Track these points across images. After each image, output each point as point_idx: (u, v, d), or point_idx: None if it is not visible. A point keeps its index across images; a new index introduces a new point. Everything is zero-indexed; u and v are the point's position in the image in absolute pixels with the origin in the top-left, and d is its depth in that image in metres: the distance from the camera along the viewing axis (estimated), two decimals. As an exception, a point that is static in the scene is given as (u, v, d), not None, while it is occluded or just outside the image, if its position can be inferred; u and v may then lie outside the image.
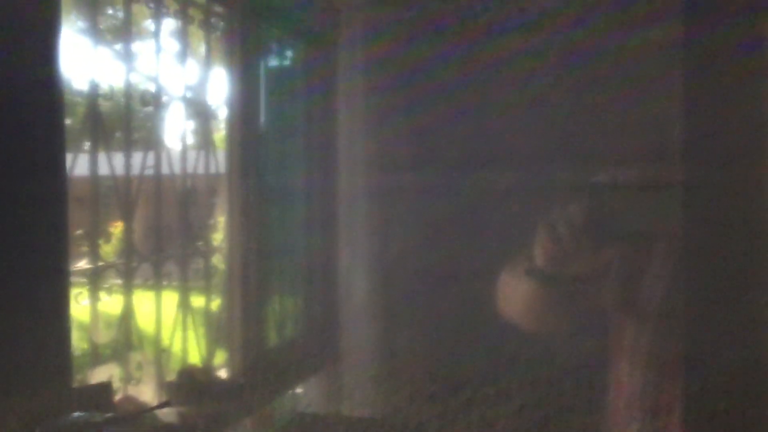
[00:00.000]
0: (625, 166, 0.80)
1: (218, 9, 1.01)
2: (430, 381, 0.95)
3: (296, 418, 1.00)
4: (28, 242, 0.97)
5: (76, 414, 0.93)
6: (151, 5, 0.95)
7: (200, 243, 1.05)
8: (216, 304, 1.08)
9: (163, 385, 1.07)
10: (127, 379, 1.07)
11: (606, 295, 0.79)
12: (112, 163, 0.94)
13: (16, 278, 0.98)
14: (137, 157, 0.96)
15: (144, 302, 1.07)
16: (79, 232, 1.03)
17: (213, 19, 1.01)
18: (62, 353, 1.01)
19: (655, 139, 0.78)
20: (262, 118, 1.00)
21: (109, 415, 0.93)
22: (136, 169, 0.96)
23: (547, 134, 0.85)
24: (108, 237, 1.05)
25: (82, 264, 1.05)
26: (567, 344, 0.85)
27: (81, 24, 0.92)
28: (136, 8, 0.97)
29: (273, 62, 1.02)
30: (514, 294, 0.83)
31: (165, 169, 0.99)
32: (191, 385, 1.07)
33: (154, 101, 0.98)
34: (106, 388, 1.00)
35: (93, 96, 0.95)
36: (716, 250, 0.73)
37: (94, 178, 0.95)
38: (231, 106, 1.00)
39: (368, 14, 0.93)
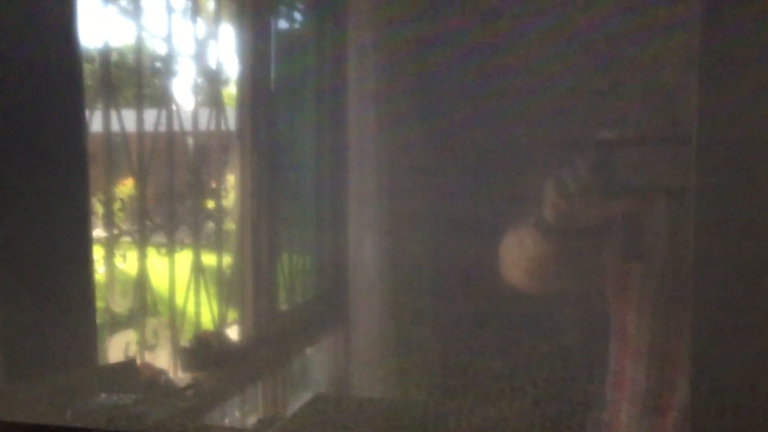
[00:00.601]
0: (633, 123, 0.81)
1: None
2: (442, 372, 0.97)
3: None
4: (50, 209, 0.99)
5: (104, 395, 0.97)
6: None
7: (212, 203, 1.06)
8: (228, 265, 1.09)
9: (177, 351, 1.09)
10: (143, 344, 1.09)
11: (611, 246, 0.80)
12: (122, 121, 0.96)
13: (41, 250, 1.01)
14: (148, 115, 0.98)
15: (158, 266, 1.08)
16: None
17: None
18: (88, 330, 1.04)
19: (666, 99, 0.79)
20: (272, 80, 1.02)
21: (135, 395, 0.96)
22: (147, 127, 0.98)
23: (558, 92, 0.85)
24: (122, 203, 1.07)
25: (98, 231, 1.07)
26: (579, 335, 0.86)
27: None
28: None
29: (283, 25, 1.02)
30: (521, 250, 0.84)
31: (176, 127, 1.00)
32: (205, 350, 1.09)
33: (164, 59, 1.00)
34: (130, 366, 1.03)
35: (104, 54, 0.96)
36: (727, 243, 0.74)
37: (106, 137, 0.96)
38: (241, 65, 1.01)
39: None
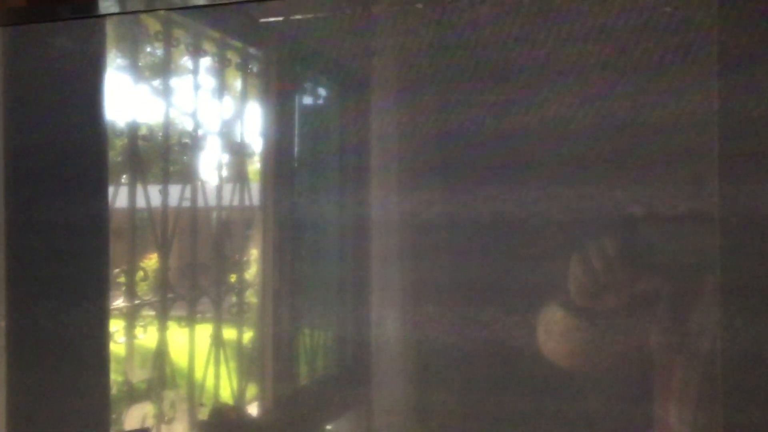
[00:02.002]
0: (662, 197, 0.79)
1: (254, 51, 1.04)
2: None
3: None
4: (71, 279, 1.00)
5: None
6: (190, 48, 0.99)
7: (234, 276, 1.06)
8: (248, 338, 1.08)
9: (195, 424, 1.08)
10: (161, 417, 1.08)
11: (653, 330, 0.77)
12: (148, 196, 0.97)
13: (59, 319, 1.01)
14: (174, 190, 0.99)
15: (177, 338, 1.08)
16: (116, 270, 1.06)
17: (249, 62, 1.04)
18: (102, 400, 1.04)
19: (692, 169, 0.78)
20: (296, 153, 1.03)
21: None
22: (173, 202, 0.98)
23: (581, 164, 0.85)
24: (144, 273, 1.07)
25: (119, 302, 1.07)
26: (609, 385, 0.84)
27: (120, 61, 0.96)
28: (174, 50, 1.01)
29: (307, 100, 1.04)
30: (553, 330, 0.82)
31: (200, 202, 1.01)
32: (224, 424, 1.07)
33: (191, 136, 1.02)
34: None
35: (132, 131, 0.99)
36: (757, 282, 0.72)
37: (131, 211, 0.97)
38: (265, 140, 1.02)
39: (401, 58, 0.95)
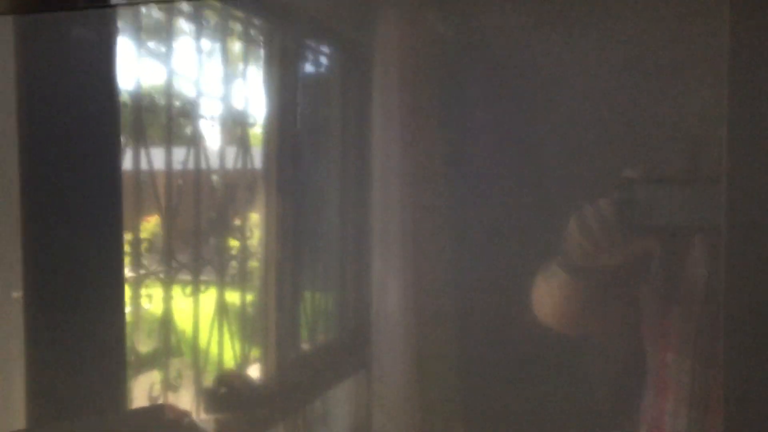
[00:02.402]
0: (659, 160, 0.81)
1: (257, 21, 1.05)
2: (466, 415, 0.96)
3: None
4: (85, 249, 1.03)
5: None
6: (192, 16, 1.00)
7: (236, 242, 1.08)
8: (251, 305, 1.10)
9: (200, 392, 1.10)
10: (167, 385, 1.10)
11: (646, 287, 0.80)
12: (151, 161, 0.98)
13: (74, 290, 1.04)
14: (176, 154, 1.01)
15: (182, 306, 1.10)
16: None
17: (252, 30, 1.05)
18: (119, 373, 1.07)
19: (694, 132, 0.79)
20: (298, 121, 1.04)
21: None
22: (176, 166, 1.01)
23: (581, 129, 0.86)
24: (149, 243, 1.09)
25: (126, 271, 1.09)
26: (613, 378, 0.86)
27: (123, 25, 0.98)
28: (176, 20, 1.02)
29: (310, 69, 1.05)
30: (549, 291, 0.84)
31: (203, 166, 1.03)
32: (228, 391, 1.09)
33: (193, 101, 1.03)
34: (159, 409, 1.05)
35: (136, 95, 1.00)
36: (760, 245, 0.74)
37: (135, 176, 0.99)
38: (267, 106, 1.03)
39: (404, 30, 0.96)
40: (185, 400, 1.09)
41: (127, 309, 1.09)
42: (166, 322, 1.09)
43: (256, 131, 1.06)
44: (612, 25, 0.82)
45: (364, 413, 1.05)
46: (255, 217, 1.08)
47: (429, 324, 1.01)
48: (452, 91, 0.96)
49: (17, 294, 1.06)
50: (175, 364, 1.10)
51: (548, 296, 0.84)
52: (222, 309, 1.08)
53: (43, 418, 1.09)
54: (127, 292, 1.08)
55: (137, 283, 1.08)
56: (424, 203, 1.00)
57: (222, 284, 1.09)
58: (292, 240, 1.07)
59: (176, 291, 1.09)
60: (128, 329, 1.08)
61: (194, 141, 1.07)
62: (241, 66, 1.07)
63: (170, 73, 1.07)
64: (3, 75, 1.10)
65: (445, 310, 0.99)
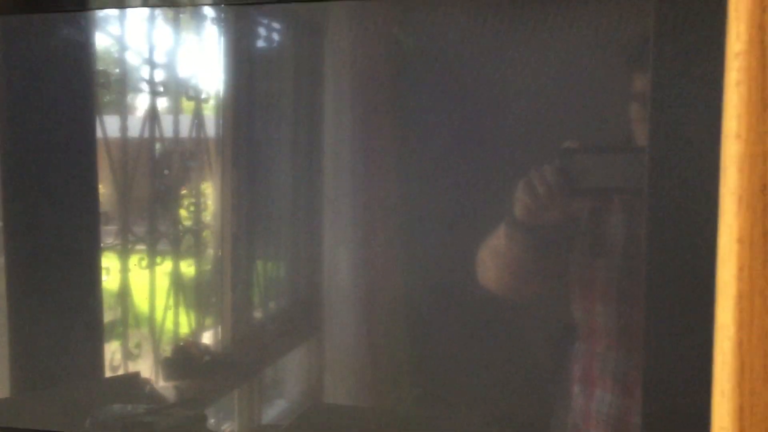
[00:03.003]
0: (593, 133, 0.93)
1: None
2: (415, 376, 1.04)
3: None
4: (63, 219, 1.04)
5: (118, 405, 1.08)
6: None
7: (190, 214, 1.11)
8: (205, 275, 1.13)
9: (159, 361, 1.12)
10: (127, 356, 1.12)
11: (578, 242, 0.91)
12: (105, 131, 1.01)
13: (54, 262, 1.06)
14: (131, 126, 1.05)
15: (139, 280, 1.12)
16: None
17: (203, 7, 1.07)
18: (95, 342, 1.09)
19: (622, 110, 0.92)
20: (252, 92, 1.08)
21: (146, 405, 1.02)
22: (131, 138, 1.05)
23: (526, 110, 0.96)
24: (105, 216, 1.11)
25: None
26: (551, 330, 0.97)
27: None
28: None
29: (263, 41, 1.09)
30: (496, 248, 0.94)
31: (156, 136, 1.07)
32: (185, 360, 1.12)
33: (147, 70, 1.06)
34: (135, 378, 1.09)
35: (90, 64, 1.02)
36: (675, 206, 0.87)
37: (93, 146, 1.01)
38: (221, 76, 1.06)
39: (356, 7, 1.01)
40: (145, 368, 1.12)
41: (91, 280, 1.11)
42: (123, 294, 1.11)
43: (210, 104, 1.09)
44: (547, 18, 0.92)
45: (316, 377, 1.10)
46: (208, 189, 1.11)
47: (378, 291, 1.06)
48: (404, 67, 1.03)
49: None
50: (135, 334, 1.12)
51: (495, 254, 0.94)
52: (177, 280, 1.11)
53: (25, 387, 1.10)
54: (91, 262, 1.09)
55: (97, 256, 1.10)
56: (375, 174, 1.06)
57: (177, 255, 1.12)
58: (245, 211, 1.11)
59: (132, 263, 1.11)
60: (94, 299, 1.10)
61: (147, 113, 1.09)
62: (194, 38, 1.10)
63: (123, 46, 1.09)
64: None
65: (395, 277, 1.06)
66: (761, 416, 0.34)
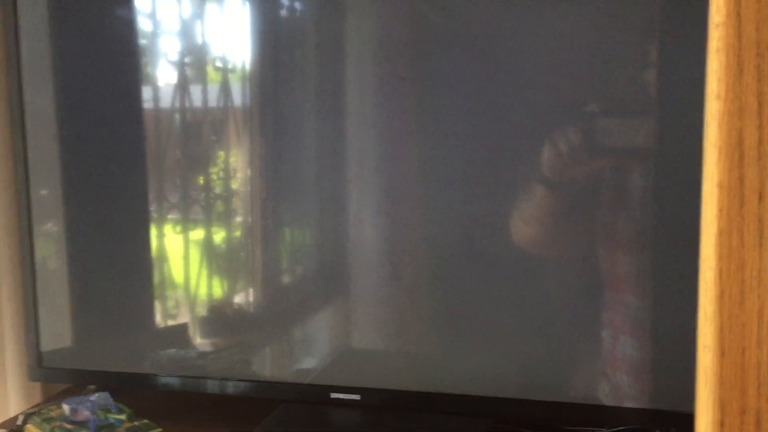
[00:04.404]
0: (613, 97, 1.00)
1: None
2: (440, 324, 1.10)
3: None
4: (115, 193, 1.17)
5: (173, 350, 1.20)
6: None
7: (219, 179, 1.18)
8: (236, 241, 1.20)
9: (195, 320, 1.20)
10: (170, 313, 1.20)
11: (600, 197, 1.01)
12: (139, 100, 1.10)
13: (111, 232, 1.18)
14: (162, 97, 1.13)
15: (174, 244, 1.19)
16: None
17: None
18: (148, 298, 1.20)
19: (637, 78, 0.99)
20: (277, 61, 1.11)
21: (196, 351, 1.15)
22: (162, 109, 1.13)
23: (553, 76, 1.03)
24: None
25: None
26: (577, 280, 1.04)
27: None
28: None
29: (283, 12, 1.14)
30: (529, 205, 1.02)
31: (186, 105, 1.13)
32: (221, 317, 1.20)
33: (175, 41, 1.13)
34: (184, 328, 1.19)
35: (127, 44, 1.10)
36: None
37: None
38: (248, 46, 1.11)
39: None
40: (188, 322, 1.19)
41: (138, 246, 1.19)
42: (162, 257, 1.19)
43: (237, 73, 1.15)
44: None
45: (345, 329, 1.15)
46: (237, 158, 1.17)
47: (402, 249, 1.12)
48: (427, 34, 1.07)
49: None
50: (173, 294, 1.20)
51: (528, 209, 1.01)
52: (209, 244, 1.18)
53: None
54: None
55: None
56: (399, 139, 1.10)
57: (209, 222, 1.18)
58: (272, 178, 1.17)
59: (167, 229, 1.18)
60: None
61: (178, 84, 1.15)
62: (221, 12, 1.15)
63: (155, 21, 1.15)
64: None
65: (419, 237, 1.11)
66: (738, 335, 0.41)
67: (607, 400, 1.01)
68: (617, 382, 1.01)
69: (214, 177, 1.16)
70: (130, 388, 1.24)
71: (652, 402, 1.00)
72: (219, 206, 1.17)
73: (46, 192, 1.20)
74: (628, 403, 1.00)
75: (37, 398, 1.30)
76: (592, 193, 0.99)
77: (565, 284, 1.03)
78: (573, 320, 1.02)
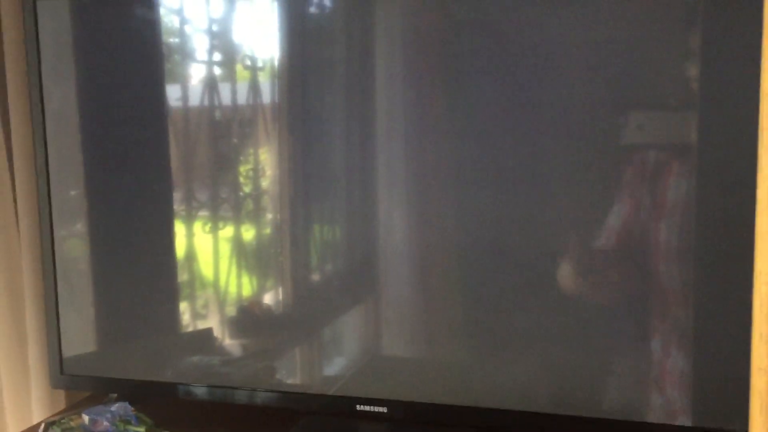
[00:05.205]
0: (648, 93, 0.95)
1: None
2: (467, 333, 1.05)
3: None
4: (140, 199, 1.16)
5: (197, 357, 1.18)
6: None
7: (249, 178, 1.15)
8: (265, 240, 1.17)
9: (224, 320, 1.18)
10: (195, 316, 1.18)
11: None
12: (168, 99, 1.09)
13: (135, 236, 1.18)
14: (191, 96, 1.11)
15: (204, 244, 1.17)
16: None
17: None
18: (172, 303, 1.20)
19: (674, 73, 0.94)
20: (306, 58, 1.09)
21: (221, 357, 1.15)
22: (191, 108, 1.12)
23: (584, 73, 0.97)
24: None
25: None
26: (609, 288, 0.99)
27: None
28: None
29: (315, 9, 1.12)
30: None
31: (216, 102, 1.11)
32: (249, 319, 1.17)
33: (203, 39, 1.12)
34: (209, 332, 1.17)
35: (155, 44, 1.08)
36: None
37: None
38: (277, 48, 1.09)
39: None
40: (212, 327, 1.17)
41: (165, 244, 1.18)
42: (189, 258, 1.16)
43: (266, 71, 1.12)
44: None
45: (372, 335, 1.12)
46: (266, 156, 1.14)
47: (432, 252, 1.08)
48: (458, 29, 1.01)
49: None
50: (201, 295, 1.18)
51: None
52: (239, 243, 1.15)
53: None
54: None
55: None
56: (428, 138, 1.07)
57: (238, 220, 1.15)
58: (302, 177, 1.14)
59: (197, 228, 1.15)
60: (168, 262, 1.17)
61: (206, 83, 1.13)
62: (249, 9, 1.13)
63: (182, 19, 1.13)
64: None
65: (448, 238, 1.07)
66: (798, 358, 0.35)
67: (649, 417, 0.96)
68: (658, 398, 0.96)
69: (243, 176, 1.14)
70: (152, 397, 1.22)
71: (696, 420, 0.94)
72: (248, 205, 1.15)
73: (71, 194, 1.19)
74: (670, 421, 0.95)
75: (62, 404, 1.29)
76: (632, 198, 0.93)
77: (597, 298, 0.98)
78: (612, 332, 0.97)
